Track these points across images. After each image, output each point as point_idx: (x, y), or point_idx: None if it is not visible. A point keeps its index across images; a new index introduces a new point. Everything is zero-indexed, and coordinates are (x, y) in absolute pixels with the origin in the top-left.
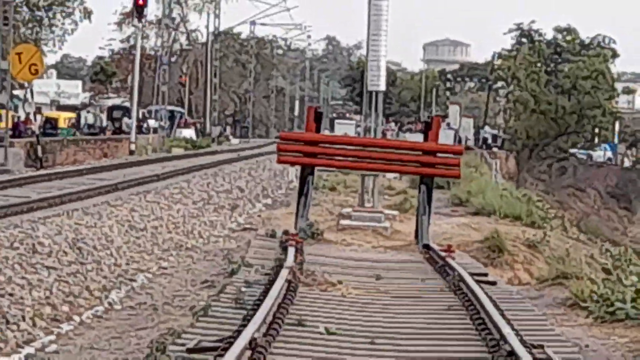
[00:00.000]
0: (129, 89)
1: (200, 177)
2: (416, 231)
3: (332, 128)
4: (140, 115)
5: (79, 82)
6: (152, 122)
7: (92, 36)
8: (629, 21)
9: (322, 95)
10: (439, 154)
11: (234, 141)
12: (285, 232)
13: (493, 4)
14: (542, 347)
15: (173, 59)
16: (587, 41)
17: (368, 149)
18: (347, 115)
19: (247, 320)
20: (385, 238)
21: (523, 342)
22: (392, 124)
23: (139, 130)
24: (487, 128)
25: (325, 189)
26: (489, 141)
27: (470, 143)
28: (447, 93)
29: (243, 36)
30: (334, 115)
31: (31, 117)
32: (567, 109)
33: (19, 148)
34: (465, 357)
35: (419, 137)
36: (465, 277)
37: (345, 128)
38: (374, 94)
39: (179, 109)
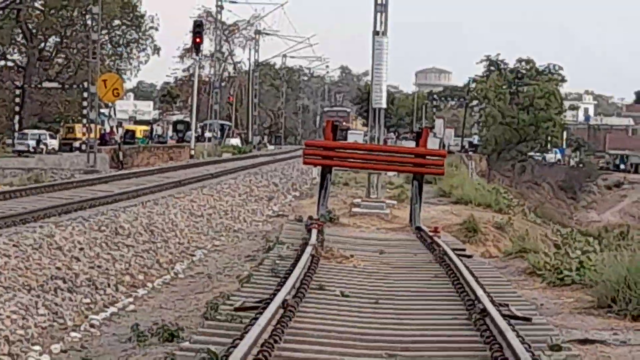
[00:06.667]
0: (189, 107)
1: (245, 176)
2: (410, 216)
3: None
4: (199, 129)
5: (151, 102)
6: (207, 134)
7: (161, 67)
8: (575, 52)
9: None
10: (428, 157)
11: (270, 148)
12: (310, 218)
13: (468, 40)
14: (507, 305)
15: (223, 84)
16: (541, 69)
17: (373, 153)
18: (344, 123)
19: (280, 286)
20: (387, 222)
21: (492, 301)
22: (392, 134)
23: (197, 139)
24: (475, 137)
25: (340, 184)
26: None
27: (454, 149)
28: (434, 110)
29: (277, 66)
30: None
31: (114, 129)
32: (526, 121)
33: (105, 153)
34: (448, 313)
35: (412, 144)
36: (448, 251)
37: (355, 137)
38: (377, 110)
39: (227, 122)
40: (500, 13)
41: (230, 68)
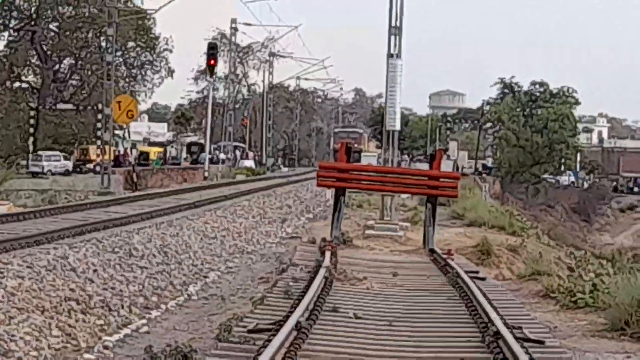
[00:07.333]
0: (203, 129)
1: (258, 197)
2: (424, 238)
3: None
4: (213, 151)
5: (165, 124)
6: (221, 155)
7: (175, 88)
8: (591, 74)
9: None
10: (442, 179)
11: (284, 169)
12: (323, 240)
13: (483, 62)
14: (520, 328)
15: (237, 106)
16: (555, 91)
17: (387, 175)
18: (356, 145)
19: (294, 307)
20: (400, 244)
21: (506, 324)
22: (405, 156)
23: (211, 161)
24: (488, 159)
25: (354, 206)
26: (480, 169)
27: (467, 171)
28: (448, 132)
29: (291, 88)
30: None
31: (128, 151)
32: (540, 144)
33: (119, 175)
34: (462, 335)
35: (425, 166)
36: (461, 274)
37: (369, 159)
38: (391, 132)
39: (241, 144)
40: (514, 35)
41: (244, 90)
